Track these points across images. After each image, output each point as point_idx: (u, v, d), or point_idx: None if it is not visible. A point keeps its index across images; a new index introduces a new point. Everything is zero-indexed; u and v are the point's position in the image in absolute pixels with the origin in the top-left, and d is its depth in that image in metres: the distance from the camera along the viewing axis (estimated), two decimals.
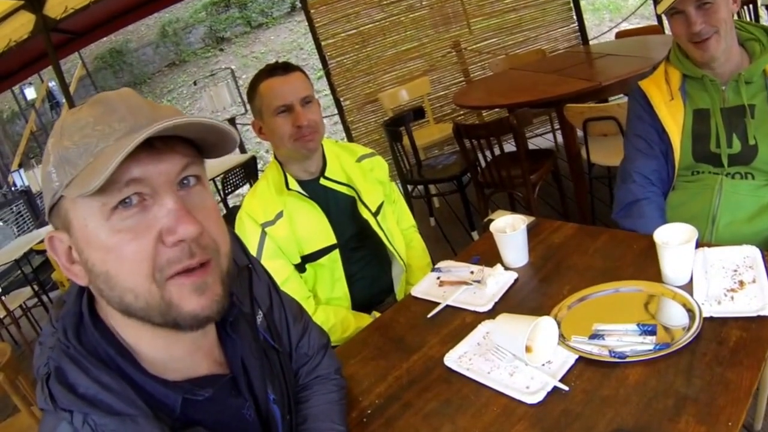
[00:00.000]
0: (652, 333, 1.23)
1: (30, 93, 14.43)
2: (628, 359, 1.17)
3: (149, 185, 0.80)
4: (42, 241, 6.17)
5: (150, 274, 0.81)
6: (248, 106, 1.98)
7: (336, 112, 6.37)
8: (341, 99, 6.25)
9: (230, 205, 6.30)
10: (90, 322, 0.87)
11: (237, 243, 1.19)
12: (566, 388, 1.16)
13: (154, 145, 0.80)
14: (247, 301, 1.09)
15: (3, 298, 5.98)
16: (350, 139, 6.34)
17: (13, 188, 11.68)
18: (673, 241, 1.38)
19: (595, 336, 1.27)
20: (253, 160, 6.33)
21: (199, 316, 0.85)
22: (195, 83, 11.59)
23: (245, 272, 1.12)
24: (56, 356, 0.83)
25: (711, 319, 1.22)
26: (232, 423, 0.99)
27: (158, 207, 0.81)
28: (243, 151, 8.05)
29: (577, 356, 1.23)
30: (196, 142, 0.87)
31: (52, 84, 14.47)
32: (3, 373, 2.56)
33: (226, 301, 0.89)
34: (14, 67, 6.75)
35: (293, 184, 1.91)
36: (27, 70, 7.15)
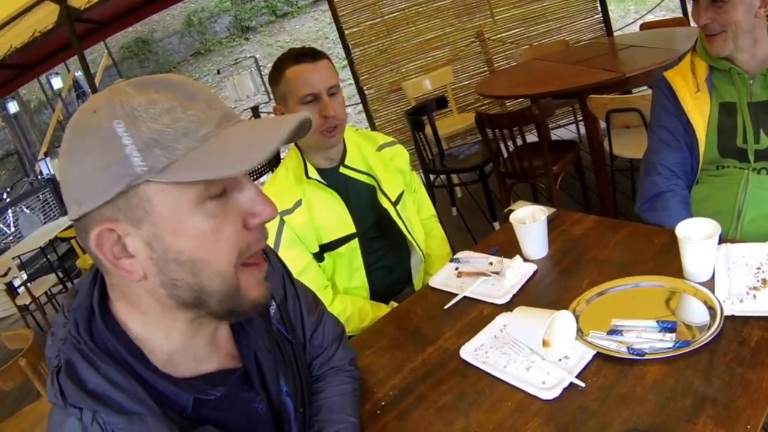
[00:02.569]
0: (672, 330, 1.20)
1: (56, 82, 14.54)
2: (646, 357, 1.15)
3: None
4: (68, 228, 6.26)
5: (237, 257, 0.83)
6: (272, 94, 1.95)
7: (359, 101, 6.35)
8: (364, 88, 6.24)
9: None
10: (100, 318, 0.86)
11: None
12: (583, 384, 1.14)
13: None
14: None
15: (29, 284, 6.08)
16: (373, 127, 6.33)
17: (39, 176, 11.82)
18: (696, 236, 1.34)
19: (613, 332, 1.25)
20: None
21: (260, 303, 0.89)
22: (218, 72, 11.63)
23: None
24: (67, 350, 0.83)
25: (732, 317, 1.19)
26: (243, 418, 0.98)
27: (238, 194, 0.83)
28: None
29: (594, 352, 1.21)
30: None
31: (79, 74, 14.61)
32: (25, 359, 2.60)
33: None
34: (39, 58, 6.78)
35: (312, 173, 1.89)
36: (52, 60, 7.18)
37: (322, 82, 1.79)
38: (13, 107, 13.96)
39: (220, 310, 0.86)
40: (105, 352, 0.83)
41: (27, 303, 6.09)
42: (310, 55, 1.80)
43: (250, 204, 0.84)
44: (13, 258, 6.71)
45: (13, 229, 8.73)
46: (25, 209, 9.40)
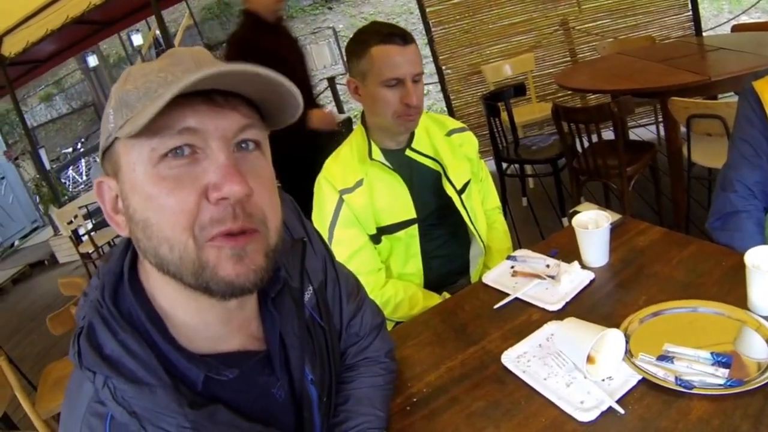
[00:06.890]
0: (726, 365, 1.12)
1: (137, 39, 14.85)
2: (694, 390, 1.08)
3: (203, 138, 0.78)
4: None
5: (188, 227, 0.78)
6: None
7: (437, 80, 6.30)
8: (444, 68, 6.18)
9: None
10: (128, 283, 0.86)
11: (295, 214, 1.17)
12: (622, 411, 1.08)
13: (215, 99, 0.78)
14: (296, 275, 1.04)
15: (92, 234, 6.31)
16: (450, 108, 6.29)
17: None
18: (766, 265, 1.25)
19: (663, 357, 1.18)
20: (348, 121, 6.35)
21: (234, 283, 0.81)
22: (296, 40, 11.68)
23: (299, 245, 1.06)
24: (91, 313, 0.84)
25: None
26: (259, 402, 0.95)
27: (208, 162, 0.79)
28: (341, 111, 8.11)
29: (640, 377, 1.15)
30: (259, 106, 0.85)
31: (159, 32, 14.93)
32: (77, 306, 2.69)
33: (267, 274, 0.84)
34: (118, 15, 6.94)
35: (377, 154, 1.86)
36: (131, 17, 7.36)
37: (409, 68, 1.74)
38: (92, 61, 14.40)
39: (190, 283, 0.81)
40: (127, 318, 0.84)
41: (90, 251, 6.35)
42: (401, 36, 1.74)
43: (214, 175, 0.78)
44: (80, 207, 6.98)
45: (84, 177, 9.02)
46: (97, 159, 9.73)
